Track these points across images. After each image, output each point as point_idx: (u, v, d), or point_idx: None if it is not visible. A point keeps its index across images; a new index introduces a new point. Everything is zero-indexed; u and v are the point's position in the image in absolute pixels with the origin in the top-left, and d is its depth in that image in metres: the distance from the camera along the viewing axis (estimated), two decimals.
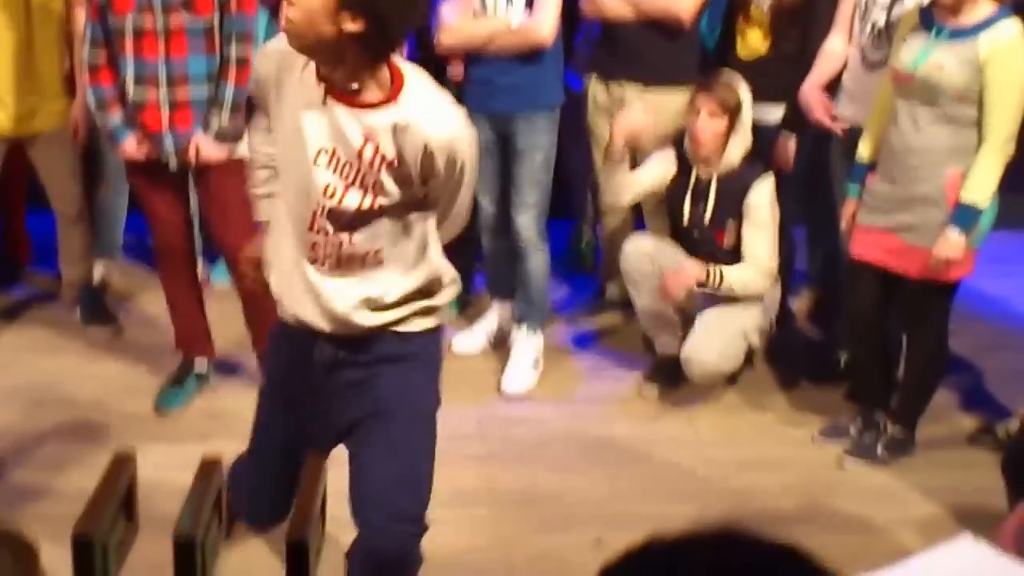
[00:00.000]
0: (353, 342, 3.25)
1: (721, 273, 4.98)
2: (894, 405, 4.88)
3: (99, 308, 5.77)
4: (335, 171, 3.05)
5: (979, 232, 4.47)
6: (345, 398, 3.30)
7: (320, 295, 3.20)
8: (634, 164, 5.22)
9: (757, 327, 5.17)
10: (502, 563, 4.18)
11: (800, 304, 6.03)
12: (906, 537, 4.34)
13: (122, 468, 3.98)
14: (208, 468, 3.95)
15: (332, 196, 3.07)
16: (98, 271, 5.92)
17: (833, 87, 5.14)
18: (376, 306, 3.20)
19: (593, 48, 5.60)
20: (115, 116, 4.67)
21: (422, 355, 3.32)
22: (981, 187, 4.36)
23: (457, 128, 3.08)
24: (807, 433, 5.01)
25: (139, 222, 5.42)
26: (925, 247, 4.46)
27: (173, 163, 4.70)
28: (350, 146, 3.02)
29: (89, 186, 5.69)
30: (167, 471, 4.34)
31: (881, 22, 4.88)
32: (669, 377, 5.31)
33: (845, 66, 5.09)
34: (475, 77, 5.17)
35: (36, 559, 2.03)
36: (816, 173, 5.39)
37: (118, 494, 3.89)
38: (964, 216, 4.38)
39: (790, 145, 5.34)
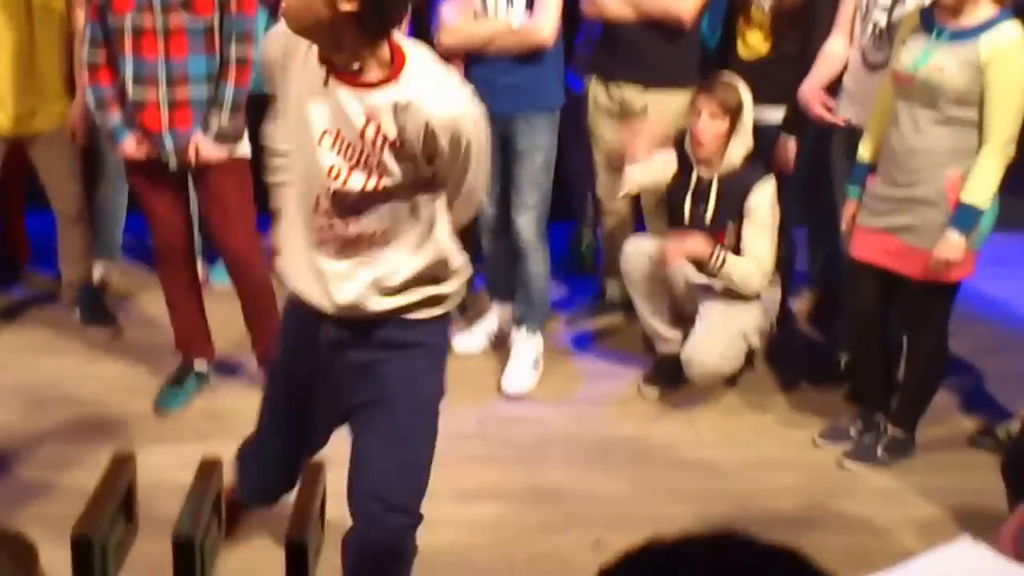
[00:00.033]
0: (359, 323, 3.26)
1: (724, 257, 4.97)
2: (894, 406, 4.88)
3: (98, 308, 5.77)
4: (339, 153, 3.06)
5: (979, 234, 4.47)
6: (350, 380, 3.32)
7: (327, 278, 3.22)
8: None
9: (757, 328, 5.17)
10: (502, 563, 4.18)
11: (801, 305, 6.03)
12: (906, 538, 4.34)
13: (122, 468, 3.98)
14: (207, 468, 3.95)
15: (336, 178, 3.08)
16: (97, 271, 5.91)
17: (833, 88, 5.14)
18: (383, 289, 3.21)
19: (593, 49, 5.59)
20: (115, 116, 4.67)
21: (428, 344, 3.33)
22: (981, 189, 4.36)
23: (460, 106, 3.06)
24: (807, 434, 5.00)
25: (139, 222, 5.41)
26: (925, 248, 4.46)
27: (173, 163, 4.70)
28: (353, 127, 3.03)
29: (89, 186, 5.69)
30: (167, 471, 4.34)
31: (882, 23, 4.88)
32: (669, 378, 5.31)
33: (846, 67, 5.09)
34: (475, 78, 5.15)
35: (35, 560, 2.02)
36: (817, 174, 5.40)
37: (118, 494, 3.89)
38: (964, 218, 4.38)
39: (790, 146, 5.34)
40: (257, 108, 4.98)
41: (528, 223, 5.25)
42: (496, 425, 5.06)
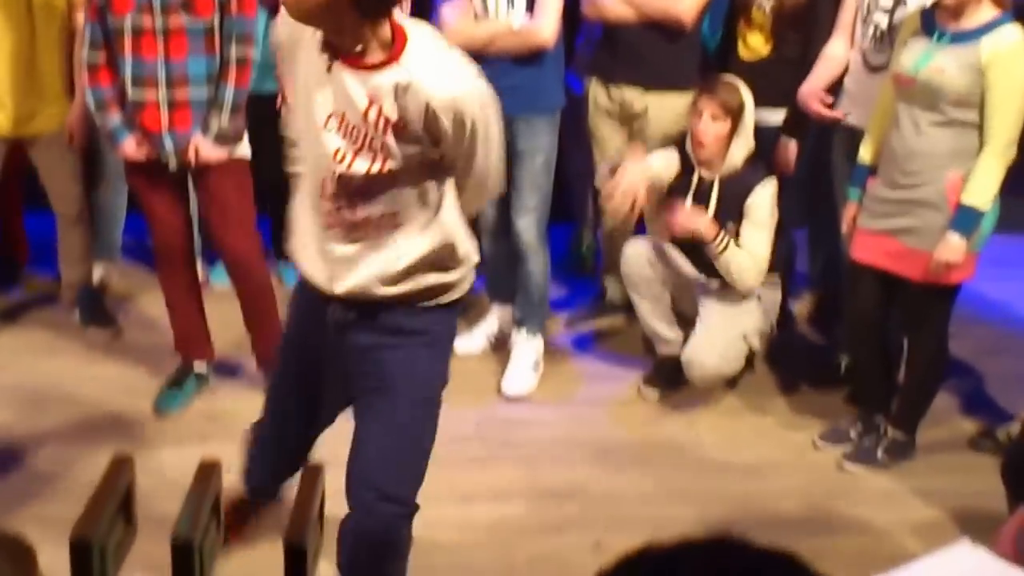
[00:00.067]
0: (365, 305, 3.27)
1: (728, 244, 4.96)
2: (894, 409, 4.88)
3: (98, 309, 5.76)
4: (344, 136, 3.08)
5: (980, 236, 4.47)
6: (355, 364, 3.33)
7: (334, 262, 3.25)
8: None
9: (758, 330, 5.17)
10: (502, 565, 4.18)
11: (801, 307, 6.02)
12: (906, 541, 4.34)
13: (121, 470, 3.98)
14: (206, 471, 3.94)
15: (342, 161, 3.09)
16: (97, 272, 5.90)
17: (834, 90, 5.14)
18: (388, 273, 3.22)
19: (594, 50, 5.58)
20: (114, 117, 4.66)
21: (433, 332, 3.34)
22: (982, 191, 4.36)
23: (461, 87, 3.04)
24: (807, 436, 5.00)
25: (138, 223, 5.41)
26: (926, 250, 4.46)
27: (173, 164, 4.69)
28: (357, 110, 3.04)
29: (88, 187, 5.68)
30: (166, 473, 4.34)
31: (883, 25, 4.88)
32: (669, 380, 5.31)
33: (846, 69, 5.08)
34: None
35: (34, 561, 2.02)
36: (817, 176, 5.39)
37: (117, 496, 3.88)
38: (965, 220, 4.37)
39: (791, 148, 5.33)
40: (257, 109, 5.01)
41: (528, 225, 5.24)
42: (496, 427, 5.06)
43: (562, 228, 6.21)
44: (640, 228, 5.65)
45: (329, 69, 3.05)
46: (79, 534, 3.61)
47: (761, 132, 5.11)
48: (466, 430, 4.91)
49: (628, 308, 5.55)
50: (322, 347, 3.40)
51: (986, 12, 4.34)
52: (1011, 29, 4.32)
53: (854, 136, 4.89)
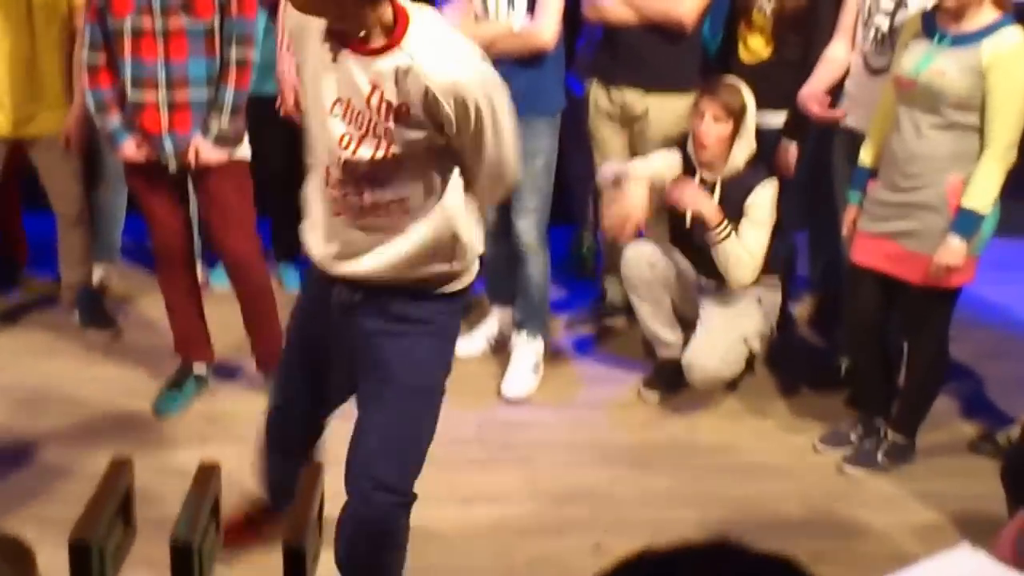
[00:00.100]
0: (369, 288, 3.29)
1: (730, 232, 4.96)
2: (895, 412, 4.87)
3: (98, 311, 5.76)
4: (350, 122, 3.09)
5: (980, 239, 4.46)
6: (359, 348, 3.34)
7: (340, 246, 3.27)
8: None
9: (758, 332, 5.17)
10: (501, 566, 4.17)
11: (801, 310, 6.02)
12: (906, 544, 4.34)
13: (120, 472, 3.96)
14: (206, 473, 3.93)
15: (347, 147, 3.11)
16: (97, 274, 5.90)
17: (835, 93, 5.14)
18: (392, 260, 3.23)
19: (595, 52, 5.58)
20: (114, 118, 4.66)
21: (436, 321, 3.35)
22: (982, 194, 4.36)
23: (462, 71, 3.02)
24: (807, 440, 5.00)
25: (138, 225, 5.41)
26: (926, 254, 4.45)
27: (172, 165, 4.69)
28: (360, 95, 3.05)
29: (88, 188, 5.68)
30: (165, 475, 4.33)
31: (884, 28, 4.87)
32: (669, 382, 5.30)
33: (847, 72, 5.08)
34: None
35: (33, 563, 2.02)
36: (818, 179, 5.39)
37: (116, 498, 3.87)
38: (965, 223, 4.37)
39: (791, 151, 5.33)
40: (257, 110, 5.00)
41: (529, 227, 5.24)
42: (496, 429, 5.06)
43: (562, 230, 6.20)
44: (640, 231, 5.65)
45: (335, 57, 3.06)
46: (78, 536, 3.59)
47: (762, 134, 5.11)
48: (466, 432, 4.91)
49: (628, 310, 5.55)
50: (328, 327, 3.43)
51: (987, 14, 4.34)
52: (1012, 31, 4.32)
53: (855, 139, 4.89)
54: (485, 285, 5.69)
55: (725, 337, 5.07)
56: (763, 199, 4.99)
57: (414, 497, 3.40)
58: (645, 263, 5.19)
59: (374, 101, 3.04)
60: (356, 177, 3.15)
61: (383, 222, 3.21)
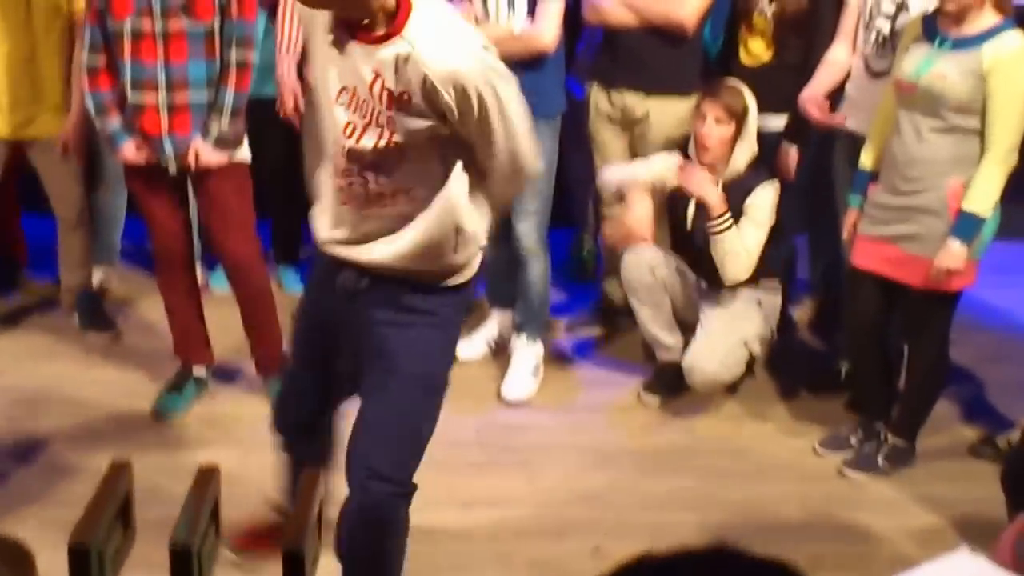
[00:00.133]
0: (375, 276, 3.30)
1: (731, 224, 4.96)
2: (895, 415, 4.87)
3: (97, 313, 5.76)
4: (354, 110, 3.10)
5: (981, 242, 4.46)
6: (364, 336, 3.35)
7: (346, 233, 3.29)
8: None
9: (758, 336, 5.16)
10: (501, 570, 4.17)
11: (801, 313, 6.02)
12: (906, 548, 4.33)
13: (120, 475, 3.96)
14: (205, 476, 3.92)
15: (351, 135, 3.12)
16: (96, 276, 5.89)
17: (836, 96, 5.13)
18: (396, 250, 3.24)
19: (595, 55, 5.58)
20: (114, 121, 4.66)
21: (440, 313, 3.35)
22: (983, 197, 4.35)
23: (460, 59, 3.00)
24: (808, 443, 4.99)
25: (138, 227, 5.41)
26: (927, 257, 4.45)
27: (172, 168, 4.68)
28: (364, 83, 3.06)
29: (88, 191, 5.67)
30: (165, 478, 4.32)
31: (885, 31, 4.87)
32: (669, 386, 5.30)
33: (848, 75, 5.08)
34: None
35: (32, 567, 2.02)
36: (818, 182, 5.38)
37: (115, 501, 3.87)
38: (966, 226, 4.37)
39: (792, 154, 5.32)
40: (257, 112, 5.00)
41: (529, 229, 5.23)
42: (496, 432, 5.06)
43: (563, 233, 6.20)
44: None
45: (342, 47, 3.07)
46: (77, 539, 3.59)
47: (762, 138, 5.11)
48: (466, 435, 4.91)
49: (629, 314, 5.54)
50: (335, 311, 3.44)
51: (988, 18, 4.34)
52: (1013, 35, 4.32)
53: (855, 142, 4.89)
54: (485, 288, 5.68)
55: (725, 340, 5.06)
56: (763, 200, 5.00)
57: (413, 488, 3.40)
58: (645, 267, 5.19)
59: (376, 89, 3.04)
60: (360, 166, 3.16)
61: (388, 211, 3.22)
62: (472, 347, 5.60)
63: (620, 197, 5.21)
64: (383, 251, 3.26)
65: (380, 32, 3.02)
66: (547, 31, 4.98)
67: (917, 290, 4.55)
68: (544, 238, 5.31)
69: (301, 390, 3.71)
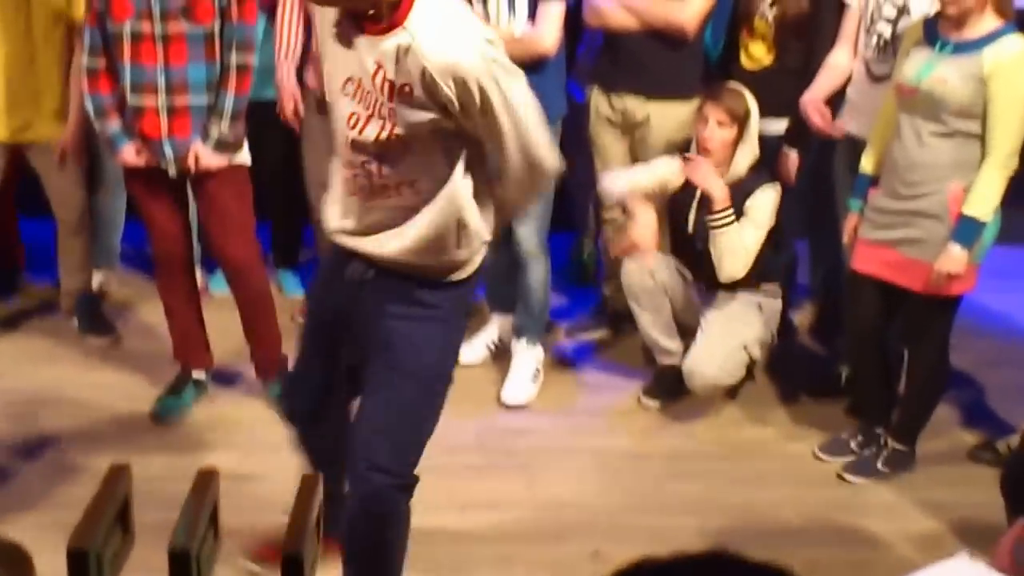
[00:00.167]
0: (381, 267, 3.31)
1: (732, 220, 4.96)
2: (895, 420, 4.86)
3: (97, 317, 5.76)
4: (359, 101, 3.11)
5: (981, 247, 4.46)
6: (369, 325, 3.36)
7: (353, 224, 3.31)
8: None
9: (758, 340, 5.16)
10: (500, 574, 4.17)
11: (802, 318, 6.02)
12: (905, 552, 4.33)
13: (119, 478, 3.95)
14: (204, 479, 3.91)
15: (355, 126, 3.14)
16: (96, 280, 5.89)
17: (837, 100, 5.13)
18: (401, 243, 3.25)
19: (596, 59, 5.57)
20: (114, 123, 4.66)
21: (444, 308, 3.36)
22: (984, 202, 4.35)
23: (460, 51, 2.98)
24: (808, 447, 4.99)
25: (137, 231, 5.41)
26: (927, 261, 4.45)
27: (172, 171, 4.68)
28: (368, 74, 3.07)
29: (89, 194, 5.67)
30: (164, 481, 4.29)
31: (886, 35, 4.87)
32: (669, 390, 5.30)
33: (849, 79, 5.08)
34: None
35: (31, 569, 2.02)
36: (819, 187, 5.38)
37: (114, 505, 3.87)
38: (966, 231, 4.36)
39: (792, 158, 5.32)
40: (257, 115, 5.00)
41: (529, 233, 5.23)
42: (495, 436, 5.05)
43: (563, 237, 6.20)
44: None
45: (350, 40, 3.09)
46: (76, 543, 3.58)
47: (763, 142, 5.11)
48: (466, 439, 4.90)
49: (629, 318, 5.53)
50: (343, 302, 3.45)
51: (989, 22, 4.34)
52: (1014, 39, 4.32)
53: (856, 146, 4.89)
54: (485, 292, 5.68)
55: (725, 345, 5.06)
56: (763, 202, 5.00)
57: (414, 480, 3.41)
58: (645, 271, 5.18)
59: (378, 80, 3.05)
60: (365, 157, 3.18)
61: (392, 203, 3.23)
62: (472, 351, 5.59)
63: (623, 209, 5.21)
64: (387, 245, 3.27)
65: (384, 23, 3.03)
66: (548, 34, 4.98)
67: (917, 294, 4.54)
68: (544, 242, 5.31)
69: (308, 376, 3.71)
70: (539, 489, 4.67)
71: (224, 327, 5.15)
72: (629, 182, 5.14)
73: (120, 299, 6.06)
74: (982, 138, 4.34)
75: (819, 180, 5.36)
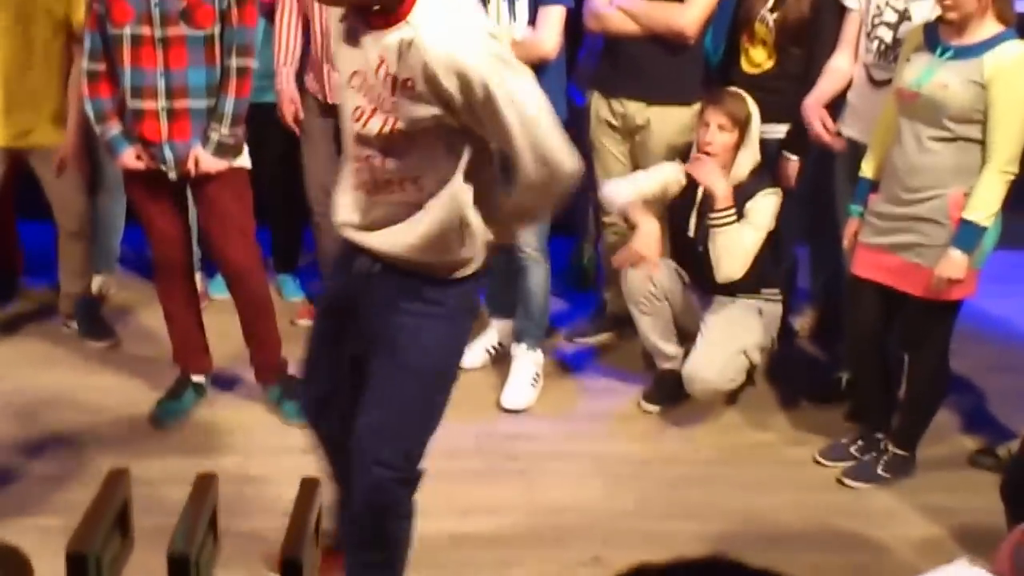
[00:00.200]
0: (387, 261, 3.32)
1: (734, 220, 4.96)
2: (895, 425, 4.86)
3: (96, 321, 5.75)
4: (364, 94, 3.13)
5: (982, 252, 4.45)
6: (374, 319, 3.37)
7: (360, 217, 3.32)
8: None
9: (758, 345, 5.16)
10: None
11: (802, 323, 6.01)
12: (906, 557, 4.32)
13: (118, 482, 3.95)
14: (203, 484, 3.91)
15: (359, 120, 3.15)
16: (96, 283, 5.89)
17: (838, 105, 5.13)
18: (404, 238, 3.26)
19: (596, 63, 5.57)
20: (114, 127, 4.66)
21: (449, 305, 3.36)
22: (984, 206, 4.35)
23: (461, 46, 2.96)
24: (808, 452, 4.98)
25: (137, 234, 5.40)
26: (928, 266, 4.45)
27: (172, 174, 4.68)
28: (372, 68, 3.08)
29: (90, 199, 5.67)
30: (163, 485, 4.32)
31: (887, 40, 4.87)
32: (669, 395, 5.29)
33: (850, 84, 5.08)
34: None
35: (30, 573, 2.02)
36: (819, 192, 5.38)
37: (113, 509, 3.86)
38: (967, 235, 4.36)
39: (793, 163, 5.32)
40: (257, 119, 5.00)
41: (529, 237, 5.22)
42: (495, 441, 5.05)
43: (563, 241, 6.20)
44: None
45: (355, 33, 3.11)
46: (75, 547, 3.58)
47: (763, 147, 5.11)
48: (465, 444, 4.90)
49: (629, 322, 5.53)
50: (351, 295, 3.46)
51: (989, 27, 4.34)
52: (1014, 44, 4.32)
53: (856, 151, 4.89)
54: (485, 296, 5.67)
55: (725, 349, 5.06)
56: (764, 205, 5.00)
57: (418, 475, 3.42)
58: (646, 276, 5.18)
59: (381, 74, 3.06)
60: (369, 151, 3.19)
61: (395, 198, 3.23)
62: (472, 355, 5.58)
63: (625, 219, 5.20)
64: (390, 241, 3.28)
65: (388, 17, 3.04)
66: (548, 38, 4.98)
67: (918, 299, 4.54)
68: (544, 246, 5.31)
69: (317, 364, 3.71)
70: (539, 494, 4.66)
71: (224, 331, 5.15)
72: (631, 192, 5.13)
73: (119, 303, 6.06)
74: (982, 143, 4.34)
75: (819, 185, 5.36)
